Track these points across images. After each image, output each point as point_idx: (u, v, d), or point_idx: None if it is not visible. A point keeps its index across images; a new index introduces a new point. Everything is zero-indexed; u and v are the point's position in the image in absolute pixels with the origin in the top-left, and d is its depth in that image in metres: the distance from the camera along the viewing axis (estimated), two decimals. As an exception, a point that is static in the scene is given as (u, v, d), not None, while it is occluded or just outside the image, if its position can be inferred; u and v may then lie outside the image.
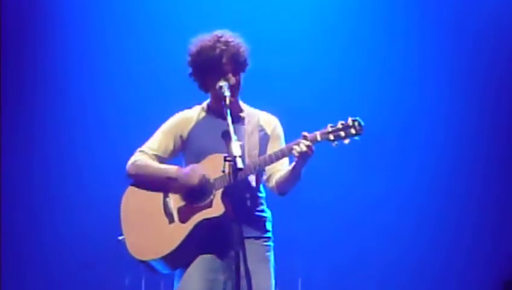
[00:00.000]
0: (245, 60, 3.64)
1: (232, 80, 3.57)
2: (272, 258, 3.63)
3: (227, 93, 3.46)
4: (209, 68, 3.58)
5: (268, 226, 3.67)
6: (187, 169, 3.54)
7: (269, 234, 3.66)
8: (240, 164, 3.21)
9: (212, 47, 3.58)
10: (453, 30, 6.38)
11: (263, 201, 3.69)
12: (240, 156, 3.23)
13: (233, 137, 3.29)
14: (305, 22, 6.39)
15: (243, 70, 3.65)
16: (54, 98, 6.40)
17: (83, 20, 6.46)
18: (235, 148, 3.25)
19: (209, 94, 3.72)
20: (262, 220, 3.65)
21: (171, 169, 3.61)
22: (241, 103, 3.75)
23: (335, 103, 5.95)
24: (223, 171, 3.36)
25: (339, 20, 6.38)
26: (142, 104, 6.16)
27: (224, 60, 3.57)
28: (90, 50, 6.43)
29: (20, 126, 6.32)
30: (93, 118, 6.37)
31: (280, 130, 3.77)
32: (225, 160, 3.31)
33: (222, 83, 3.51)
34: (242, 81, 3.65)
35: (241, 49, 3.62)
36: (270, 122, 3.76)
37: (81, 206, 6.17)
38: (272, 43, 6.17)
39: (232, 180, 3.36)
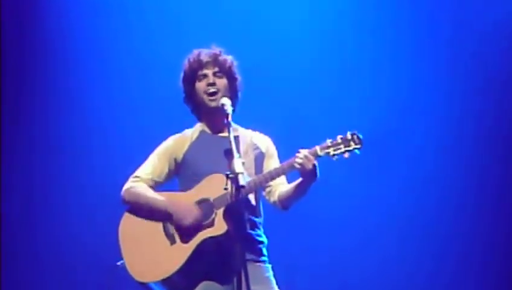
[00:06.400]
0: (230, 68, 3.71)
1: (211, 78, 3.63)
2: (273, 279, 3.62)
3: (229, 110, 3.45)
4: (194, 73, 3.68)
5: (265, 251, 3.66)
6: (182, 207, 3.49)
7: (266, 259, 3.65)
8: (242, 181, 3.18)
9: (198, 54, 3.72)
10: (453, 35, 6.35)
11: (261, 225, 3.68)
12: (242, 173, 3.20)
13: (236, 154, 3.27)
14: (302, 29, 6.35)
15: (228, 78, 3.70)
16: (53, 101, 6.41)
17: (91, 22, 6.45)
18: (238, 165, 3.22)
19: (202, 118, 3.78)
20: (260, 244, 3.64)
21: (163, 203, 3.57)
22: (232, 124, 3.69)
23: (332, 113, 5.91)
24: (225, 189, 3.33)
25: (337, 27, 6.34)
26: (142, 118, 6.18)
27: (206, 61, 3.68)
28: (93, 51, 6.43)
29: (19, 130, 6.34)
30: (93, 123, 6.36)
31: (274, 149, 3.81)
32: (227, 177, 3.28)
33: (224, 101, 3.51)
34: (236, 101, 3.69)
35: (224, 57, 3.72)
36: (264, 141, 3.80)
37: (88, 217, 6.16)
38: (268, 53, 6.15)
39: (233, 198, 3.31)
